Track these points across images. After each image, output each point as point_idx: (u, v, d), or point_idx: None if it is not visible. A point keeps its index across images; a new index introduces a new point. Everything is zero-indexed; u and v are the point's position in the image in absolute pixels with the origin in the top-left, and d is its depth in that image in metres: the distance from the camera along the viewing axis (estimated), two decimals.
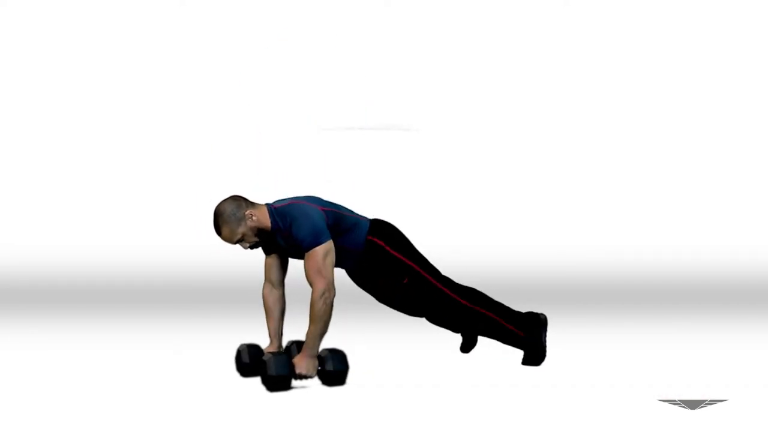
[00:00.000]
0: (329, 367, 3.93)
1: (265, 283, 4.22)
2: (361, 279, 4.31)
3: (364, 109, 7.16)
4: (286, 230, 4.01)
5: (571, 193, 7.02)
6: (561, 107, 7.15)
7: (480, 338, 4.54)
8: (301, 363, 3.90)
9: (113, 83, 7.11)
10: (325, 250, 3.93)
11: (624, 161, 7.12)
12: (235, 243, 4.05)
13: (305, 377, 3.90)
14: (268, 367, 3.83)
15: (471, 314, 4.23)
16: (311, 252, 3.93)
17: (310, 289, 3.91)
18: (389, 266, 4.17)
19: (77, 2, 7.08)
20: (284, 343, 4.24)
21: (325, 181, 6.24)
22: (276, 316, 4.20)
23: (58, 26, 7.08)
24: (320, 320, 3.88)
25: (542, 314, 4.31)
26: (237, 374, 4.15)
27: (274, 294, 4.20)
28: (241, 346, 4.17)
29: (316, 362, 3.93)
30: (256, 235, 4.03)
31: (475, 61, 7.15)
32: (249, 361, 4.11)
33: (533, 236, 6.86)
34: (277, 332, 4.21)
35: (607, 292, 6.22)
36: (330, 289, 3.89)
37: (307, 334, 3.92)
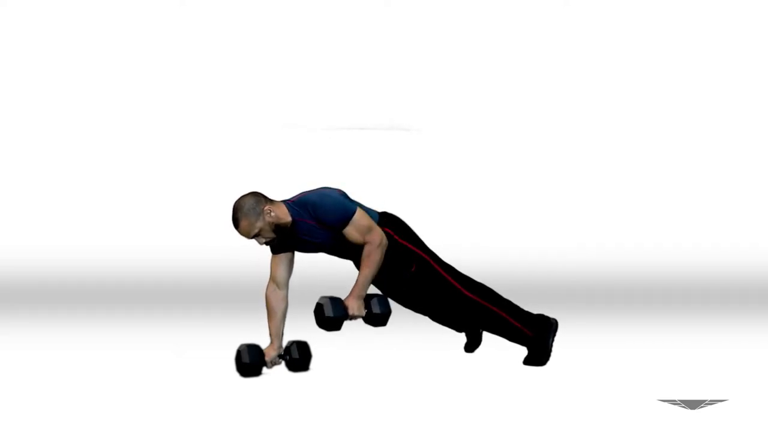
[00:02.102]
0: (375, 309, 4.12)
1: (269, 282, 4.23)
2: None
3: (364, 109, 7.16)
4: (311, 218, 4.07)
5: (571, 193, 7.02)
6: (562, 107, 7.14)
7: (483, 339, 4.55)
8: (353, 304, 4.07)
9: (113, 83, 7.10)
10: (360, 214, 4.09)
11: (625, 161, 7.12)
12: (252, 237, 4.07)
13: (356, 317, 4.09)
14: (325, 308, 4.02)
15: (478, 309, 4.23)
16: (350, 223, 4.07)
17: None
18: (397, 255, 4.20)
19: (77, 2, 7.07)
20: (284, 344, 4.25)
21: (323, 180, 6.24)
22: (278, 316, 4.22)
23: (58, 26, 7.07)
24: (376, 265, 4.07)
25: (554, 319, 4.31)
26: (237, 374, 4.15)
27: (277, 294, 4.22)
28: (241, 346, 4.17)
29: (363, 303, 4.11)
30: (273, 231, 4.06)
31: (475, 61, 7.15)
32: (249, 361, 4.12)
33: (534, 236, 6.85)
34: (278, 332, 4.21)
35: (607, 293, 6.22)
36: (383, 238, 4.09)
37: (360, 277, 4.08)
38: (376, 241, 4.07)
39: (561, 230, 6.88)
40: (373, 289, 4.19)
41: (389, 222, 4.23)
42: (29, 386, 3.99)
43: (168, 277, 6.43)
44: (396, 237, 4.21)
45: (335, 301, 4.06)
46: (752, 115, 7.13)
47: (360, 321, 4.15)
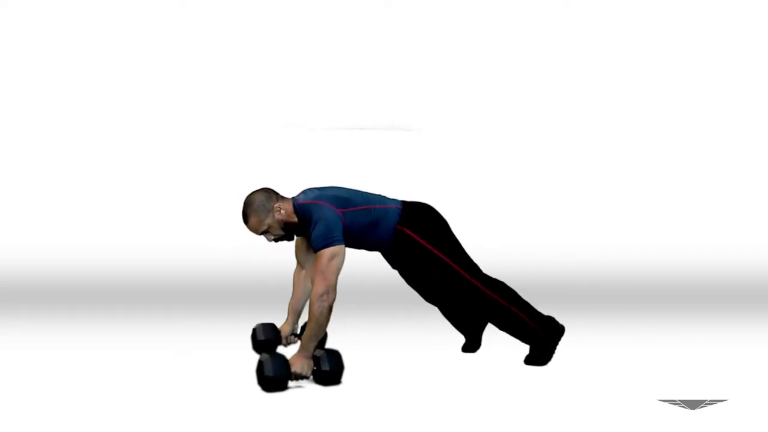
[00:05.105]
0: (325, 366, 3.95)
1: (296, 264, 4.33)
2: (392, 260, 4.36)
3: (364, 109, 7.16)
4: (307, 227, 4.05)
5: (572, 192, 7.02)
6: (562, 107, 7.15)
7: (482, 342, 4.56)
8: (296, 362, 3.92)
9: (113, 83, 7.10)
10: (333, 252, 3.96)
11: (625, 160, 7.12)
12: (260, 234, 4.07)
13: (301, 377, 3.91)
14: (265, 367, 3.84)
15: (498, 309, 4.24)
16: (319, 253, 3.97)
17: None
18: (419, 256, 4.19)
19: (77, 2, 7.08)
20: (301, 322, 4.31)
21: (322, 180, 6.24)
22: (297, 293, 4.29)
23: (58, 26, 7.07)
24: (316, 322, 3.91)
25: (562, 325, 4.33)
26: (238, 374, 4.15)
27: (300, 274, 4.31)
28: (257, 325, 4.27)
29: (312, 362, 3.95)
30: (282, 229, 4.06)
31: (475, 61, 7.15)
32: (264, 339, 4.24)
33: (534, 236, 6.85)
34: (294, 309, 4.30)
35: (608, 292, 6.22)
36: (329, 292, 3.91)
37: (303, 335, 3.95)
38: (318, 291, 3.90)
39: (561, 230, 6.89)
40: (328, 344, 4.05)
41: (411, 220, 4.20)
42: (29, 386, 3.99)
43: (168, 277, 6.43)
44: (418, 239, 4.19)
45: (277, 359, 3.85)
46: (753, 114, 7.13)
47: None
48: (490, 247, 6.49)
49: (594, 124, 7.16)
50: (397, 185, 6.66)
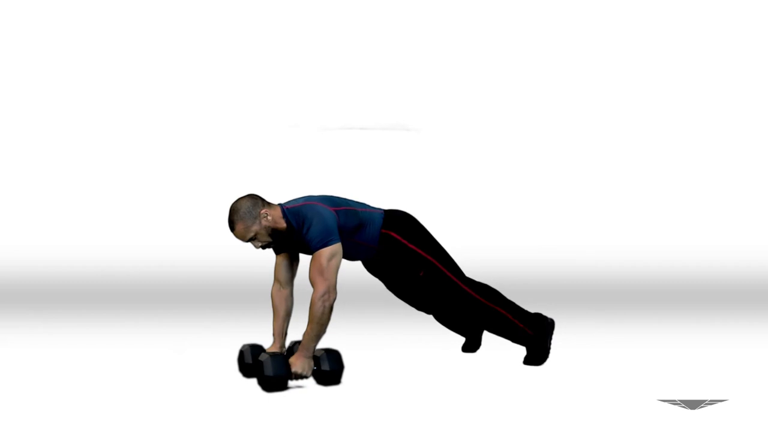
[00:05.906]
0: (325, 366, 3.96)
1: (274, 282, 4.21)
2: (375, 269, 4.34)
3: (364, 109, 7.17)
4: (300, 230, 4.02)
5: (571, 192, 7.02)
6: (562, 107, 7.15)
7: (482, 342, 4.56)
8: (297, 363, 3.91)
9: (114, 83, 7.10)
10: (332, 252, 3.94)
11: (624, 161, 7.12)
12: (248, 241, 4.04)
13: (301, 377, 3.91)
14: (265, 367, 3.85)
15: (484, 310, 4.24)
16: (317, 253, 3.95)
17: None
18: (406, 259, 4.18)
19: (78, 2, 7.08)
20: (288, 343, 4.24)
21: (323, 180, 6.25)
22: (281, 315, 4.18)
23: (59, 26, 7.08)
24: (317, 322, 3.89)
25: (551, 319, 4.33)
26: (238, 374, 4.16)
27: (281, 293, 4.19)
28: (244, 346, 4.17)
29: (312, 362, 3.95)
30: (269, 235, 4.03)
31: (475, 61, 7.15)
32: (252, 362, 4.12)
33: (534, 236, 6.86)
34: (280, 332, 4.19)
35: (607, 292, 6.22)
36: (330, 292, 3.90)
37: (304, 335, 3.94)
38: (320, 291, 3.89)
39: (560, 230, 6.89)
40: (325, 344, 4.03)
41: (395, 224, 4.20)
42: (30, 386, 3.99)
43: (168, 277, 6.43)
44: (404, 241, 4.18)
45: (277, 359, 3.86)
46: (753, 115, 7.14)
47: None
48: (489, 246, 6.50)
49: (593, 123, 7.16)
50: (397, 185, 6.68)
